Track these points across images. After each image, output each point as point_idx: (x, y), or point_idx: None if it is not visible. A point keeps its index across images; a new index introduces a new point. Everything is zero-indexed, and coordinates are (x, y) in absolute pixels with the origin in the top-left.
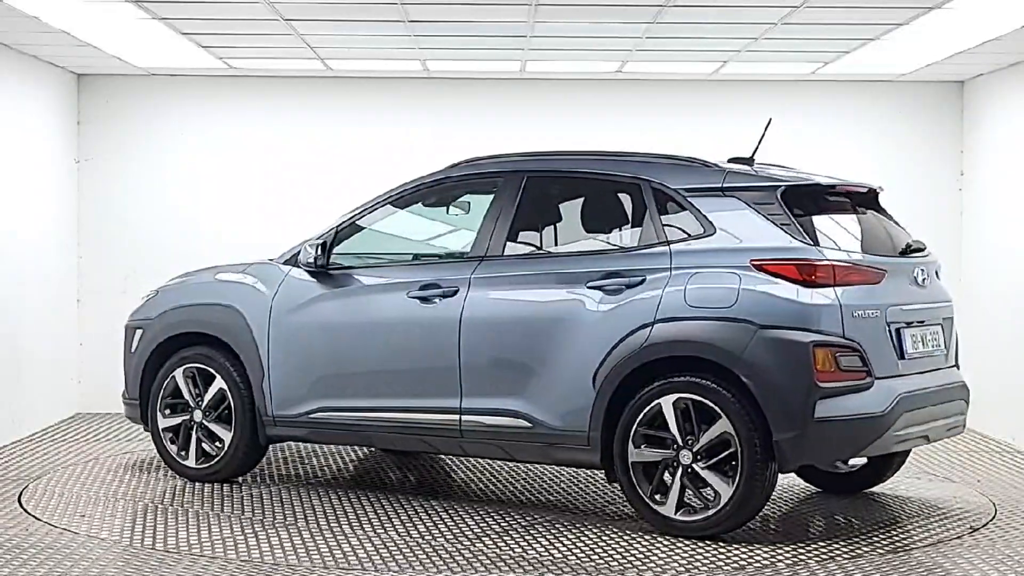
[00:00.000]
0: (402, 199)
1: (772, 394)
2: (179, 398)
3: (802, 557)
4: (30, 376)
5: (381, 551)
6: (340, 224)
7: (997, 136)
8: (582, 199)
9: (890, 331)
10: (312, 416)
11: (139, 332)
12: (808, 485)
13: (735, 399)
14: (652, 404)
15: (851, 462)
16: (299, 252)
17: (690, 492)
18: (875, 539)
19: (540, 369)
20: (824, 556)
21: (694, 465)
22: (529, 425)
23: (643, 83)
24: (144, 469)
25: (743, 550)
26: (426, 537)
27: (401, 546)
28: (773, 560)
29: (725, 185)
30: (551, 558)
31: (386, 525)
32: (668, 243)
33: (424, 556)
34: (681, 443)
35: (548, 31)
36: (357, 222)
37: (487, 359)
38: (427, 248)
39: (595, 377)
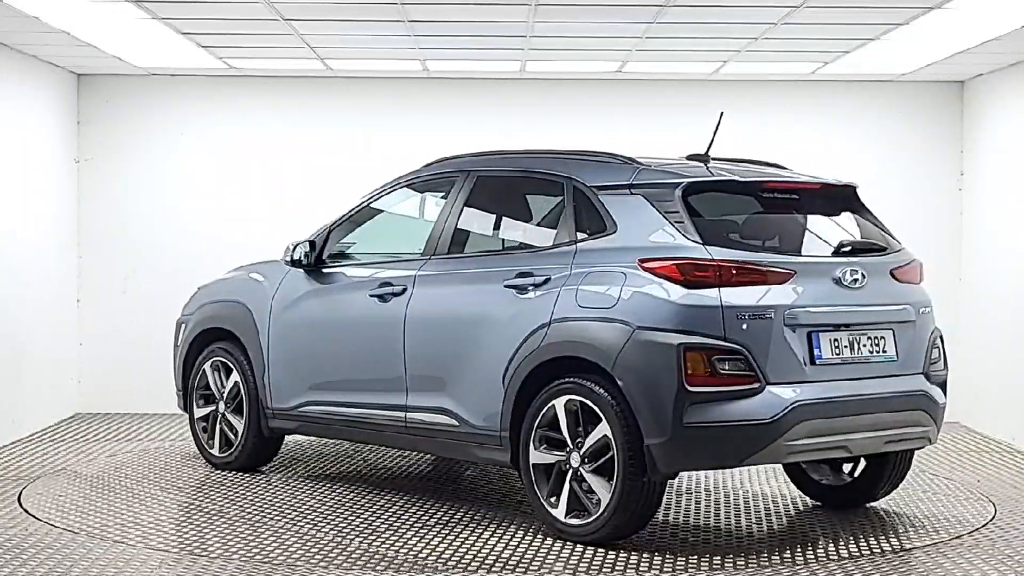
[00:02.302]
0: (382, 198)
1: (643, 397)
2: (208, 389)
3: (802, 557)
4: (30, 376)
5: (382, 549)
6: (333, 223)
7: (997, 136)
8: (516, 198)
9: (792, 334)
10: (301, 410)
11: (182, 327)
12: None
13: (614, 402)
14: (548, 405)
15: (843, 474)
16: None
17: (580, 496)
18: (875, 539)
19: (464, 368)
20: (824, 557)
21: (581, 468)
22: (456, 424)
23: (643, 83)
24: (144, 469)
25: (743, 550)
26: (427, 537)
27: (402, 546)
28: (773, 560)
29: (632, 182)
30: (559, 559)
31: (387, 524)
32: (575, 242)
33: (424, 556)
34: (572, 445)
35: (548, 31)
36: (347, 220)
37: (424, 357)
38: (393, 247)
39: (504, 377)
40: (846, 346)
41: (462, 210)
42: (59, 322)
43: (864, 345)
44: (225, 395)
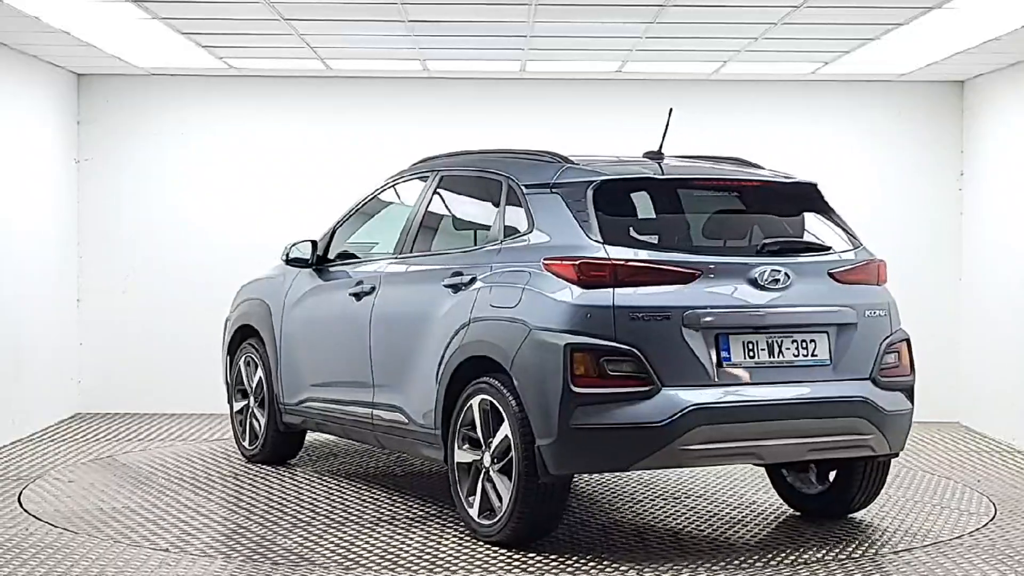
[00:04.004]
0: (374, 198)
1: (534, 398)
2: (242, 385)
3: (803, 558)
4: (30, 376)
5: (382, 549)
6: (336, 222)
7: (997, 136)
8: (466, 197)
9: (695, 335)
10: (304, 406)
11: (227, 324)
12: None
13: (514, 402)
14: (467, 405)
15: (816, 482)
16: None
17: (491, 495)
18: (875, 539)
19: (410, 366)
20: (824, 556)
21: (491, 468)
22: (406, 421)
23: (643, 83)
24: (144, 469)
25: (743, 550)
26: (427, 537)
27: (403, 545)
28: (773, 561)
29: (554, 181)
30: (561, 565)
31: (388, 523)
32: (501, 241)
33: (425, 556)
34: (484, 445)
35: (548, 31)
36: (347, 220)
37: (384, 355)
38: (376, 247)
39: (436, 376)
40: (763, 349)
41: (426, 210)
42: (59, 322)
43: (788, 348)
44: (253, 390)
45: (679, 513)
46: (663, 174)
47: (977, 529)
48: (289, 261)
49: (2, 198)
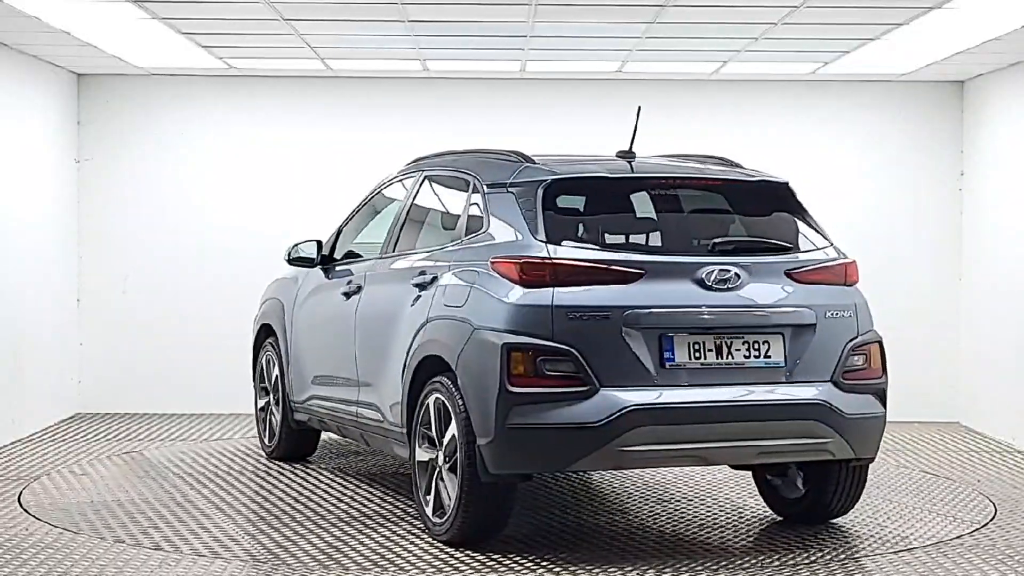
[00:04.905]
0: (373, 198)
1: (474, 397)
2: (264, 383)
3: (803, 558)
4: (30, 376)
5: (383, 549)
6: (343, 221)
7: (997, 136)
8: (442, 197)
9: (636, 336)
10: (308, 403)
11: (255, 323)
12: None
13: (460, 401)
14: (424, 404)
15: (795, 489)
16: None
17: (443, 494)
18: (875, 539)
19: (384, 365)
20: (825, 556)
21: (442, 467)
22: (381, 419)
23: (643, 83)
24: (144, 469)
25: (743, 550)
26: (430, 538)
27: (404, 545)
28: (775, 562)
29: (510, 181)
30: (557, 562)
31: (388, 523)
32: (462, 240)
33: (425, 555)
34: (438, 444)
35: (548, 31)
36: (351, 219)
37: (365, 353)
38: (371, 246)
39: (401, 374)
40: (711, 350)
41: (408, 209)
42: (59, 322)
43: (738, 350)
44: (271, 387)
45: (670, 515)
46: (617, 173)
47: (977, 529)
48: (291, 261)
49: (2, 198)
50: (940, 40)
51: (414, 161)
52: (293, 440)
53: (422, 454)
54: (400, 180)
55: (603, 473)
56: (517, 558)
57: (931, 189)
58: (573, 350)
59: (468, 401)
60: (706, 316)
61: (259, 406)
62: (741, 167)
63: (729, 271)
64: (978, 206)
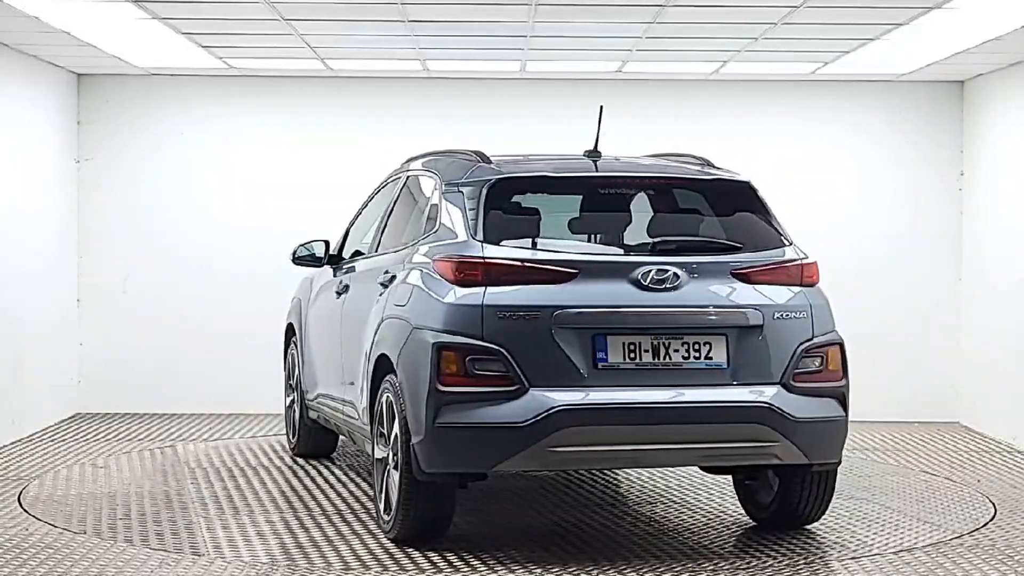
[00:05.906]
0: (373, 199)
1: (409, 396)
2: (291, 380)
3: (803, 557)
4: (30, 376)
5: (382, 550)
6: (351, 221)
7: (997, 136)
8: (414, 196)
9: (568, 336)
10: (316, 401)
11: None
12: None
13: (400, 400)
14: (379, 402)
15: (770, 493)
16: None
17: (390, 492)
18: (875, 539)
19: (356, 363)
20: (825, 556)
21: (390, 465)
22: (356, 418)
23: (643, 83)
24: (144, 469)
25: (743, 550)
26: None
27: (403, 545)
28: (775, 563)
29: (462, 180)
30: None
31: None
32: (417, 240)
33: (426, 555)
34: (388, 442)
35: (548, 31)
36: (358, 218)
37: (346, 352)
38: (365, 247)
39: (363, 373)
40: (647, 351)
41: (391, 210)
42: (59, 322)
43: (676, 351)
44: (294, 385)
45: (667, 517)
46: (562, 172)
47: (977, 529)
48: (296, 260)
49: (2, 198)
50: (940, 40)
51: (405, 161)
52: (312, 437)
53: (379, 452)
54: (392, 180)
55: (596, 474)
56: (517, 557)
57: (931, 189)
58: (502, 350)
59: (405, 400)
60: (641, 316)
61: (286, 404)
62: (713, 166)
63: (667, 271)
64: (978, 206)
